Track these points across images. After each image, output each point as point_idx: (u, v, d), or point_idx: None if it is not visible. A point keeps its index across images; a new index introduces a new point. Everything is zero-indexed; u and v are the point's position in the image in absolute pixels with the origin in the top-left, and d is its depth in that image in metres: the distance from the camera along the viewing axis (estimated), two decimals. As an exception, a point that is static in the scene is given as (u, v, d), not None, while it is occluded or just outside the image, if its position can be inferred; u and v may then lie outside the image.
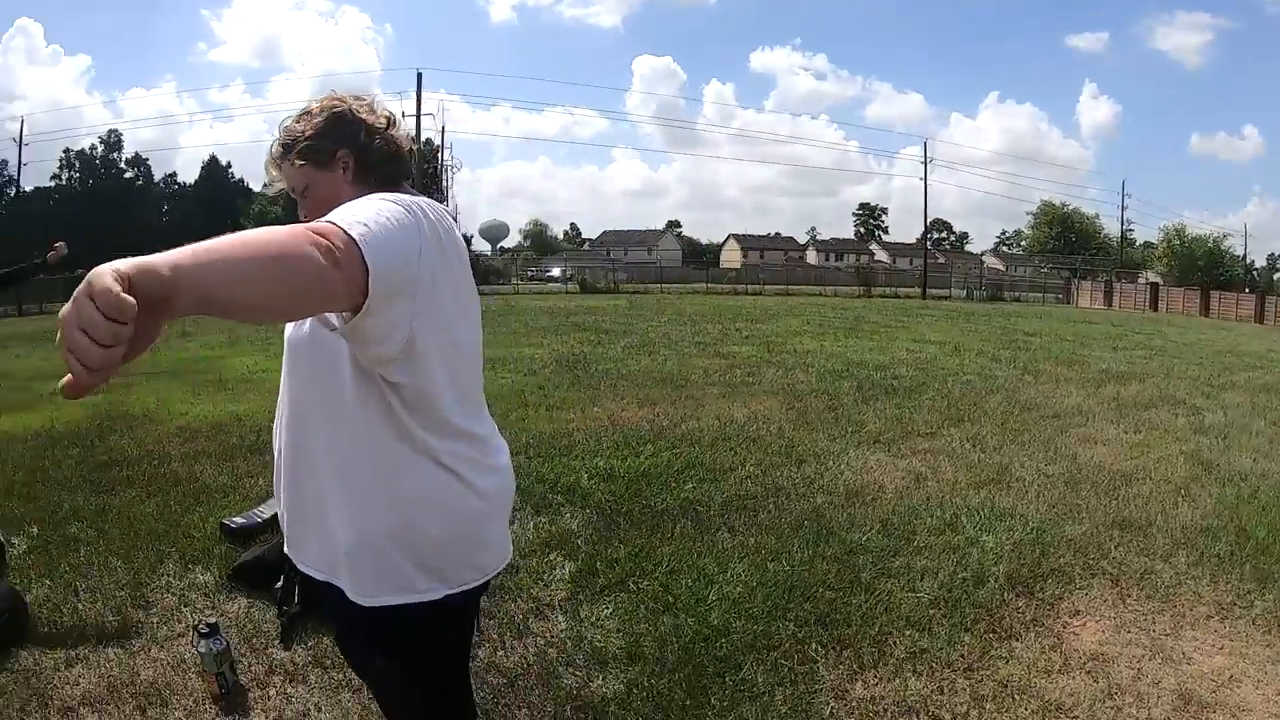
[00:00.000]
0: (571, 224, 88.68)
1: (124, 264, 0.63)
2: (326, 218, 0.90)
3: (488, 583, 1.33)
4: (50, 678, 2.33)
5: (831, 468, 4.57)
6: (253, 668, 2.42)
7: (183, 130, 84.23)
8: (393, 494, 1.17)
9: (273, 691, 2.30)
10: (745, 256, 65.63)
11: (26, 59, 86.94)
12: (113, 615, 2.73)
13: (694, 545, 3.30)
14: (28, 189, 48.12)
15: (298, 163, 1.26)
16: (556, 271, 45.49)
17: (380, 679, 1.39)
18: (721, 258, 68.99)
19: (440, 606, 1.21)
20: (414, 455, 1.16)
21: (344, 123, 1.26)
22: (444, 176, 34.18)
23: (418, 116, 32.04)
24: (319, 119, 1.26)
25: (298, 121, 1.27)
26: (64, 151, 49.20)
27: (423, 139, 32.17)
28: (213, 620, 2.37)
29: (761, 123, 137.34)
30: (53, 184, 49.46)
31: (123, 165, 51.89)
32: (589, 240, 79.15)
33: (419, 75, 33.75)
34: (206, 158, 56.16)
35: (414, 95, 32.30)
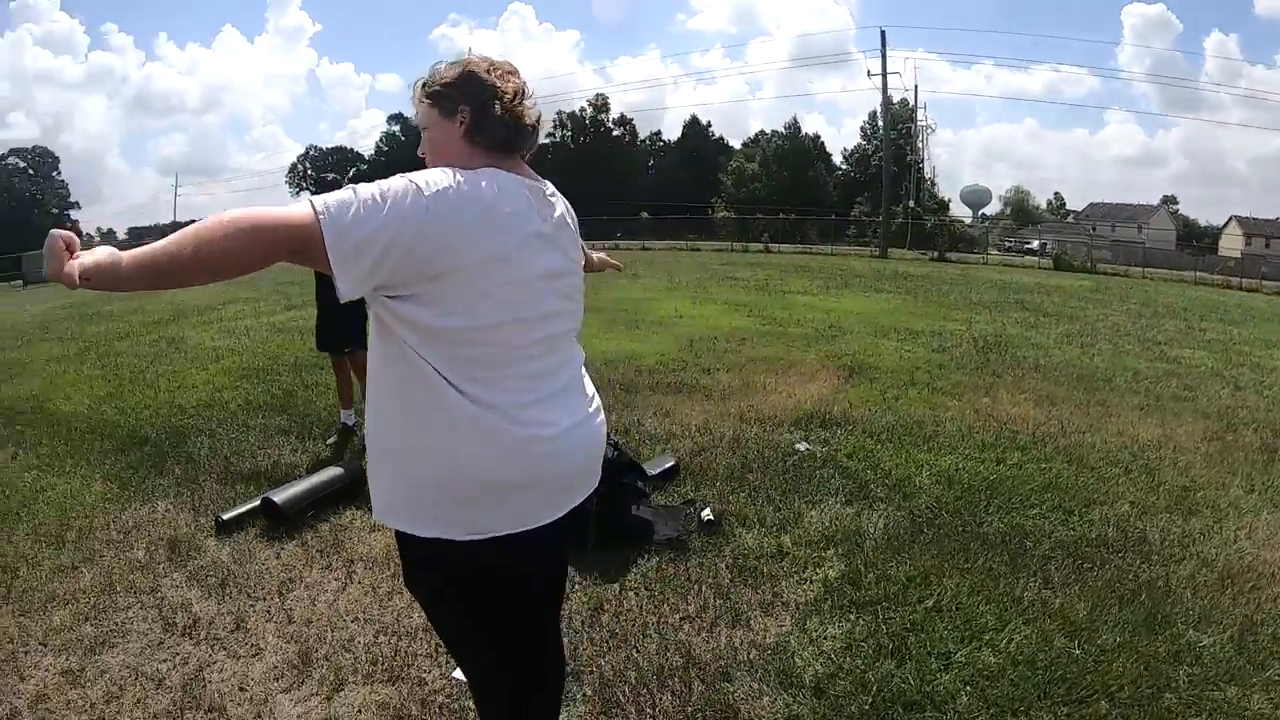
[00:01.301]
0: (1055, 193, 76.25)
1: (86, 263, 1.08)
2: (311, 198, 1.15)
3: (525, 553, 1.38)
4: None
5: (1225, 530, 3.34)
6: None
7: (668, 92, 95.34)
8: (394, 434, 1.33)
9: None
10: (1248, 243, 49.44)
11: (522, 37, 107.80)
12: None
13: (986, 586, 2.79)
14: None
15: (426, 103, 1.39)
16: (1035, 244, 40.36)
17: (418, 599, 1.58)
18: (1220, 243, 53.10)
19: (442, 547, 1.32)
20: (425, 405, 1.28)
21: (474, 81, 1.36)
22: (917, 137, 32.72)
23: (883, 75, 31.09)
24: (457, 72, 1.38)
25: (446, 70, 1.40)
26: (557, 113, 59.17)
27: (896, 100, 31.08)
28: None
29: (1274, 81, 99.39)
30: (547, 140, 60.60)
31: (610, 125, 60.66)
32: (1073, 212, 68.04)
33: (882, 33, 32.60)
34: (688, 117, 62.80)
35: (884, 54, 31.25)
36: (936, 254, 27.41)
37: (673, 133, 64.00)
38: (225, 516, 3.44)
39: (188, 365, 7.18)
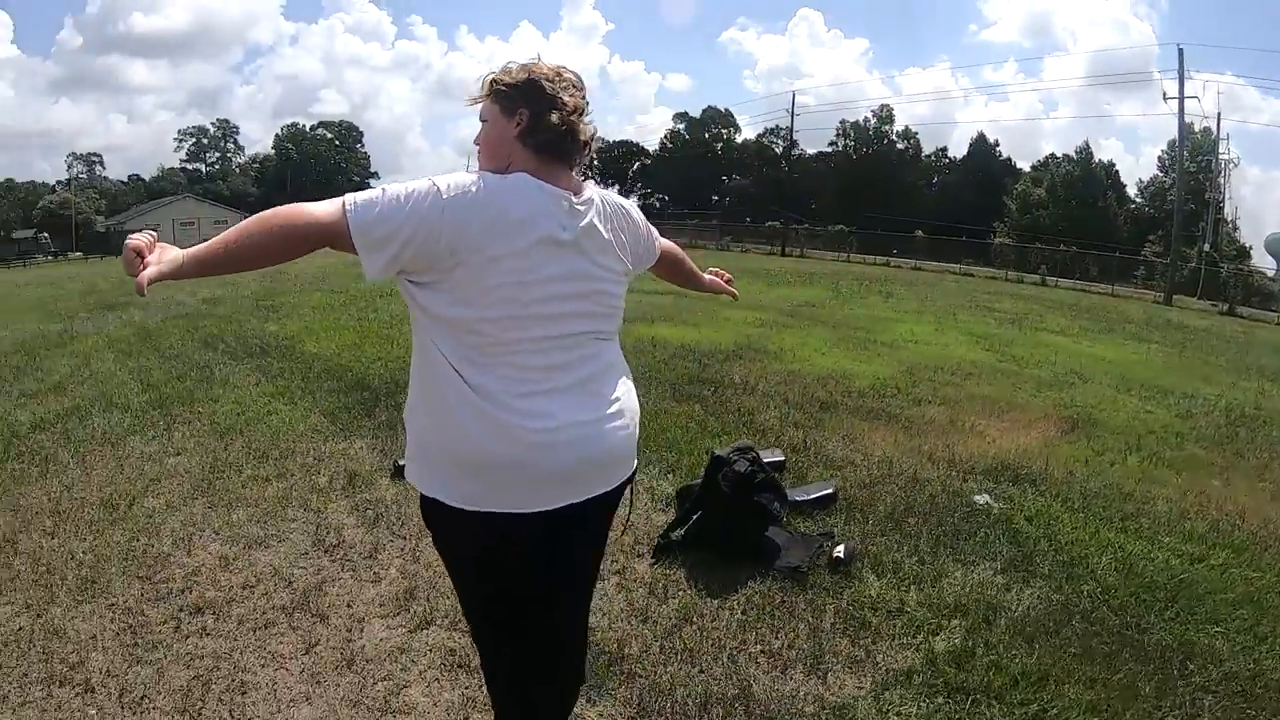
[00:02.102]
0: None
1: (151, 274, 1.23)
2: (346, 196, 1.32)
3: (516, 536, 1.43)
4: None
5: None
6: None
7: (957, 107, 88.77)
8: (417, 400, 1.48)
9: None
10: None
11: (809, 43, 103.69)
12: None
13: (1111, 707, 2.18)
14: (809, 152, 58.29)
15: (490, 98, 1.48)
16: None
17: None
18: None
19: (441, 509, 1.43)
20: (433, 379, 1.41)
21: (536, 88, 1.43)
22: (1218, 172, 27.38)
23: (1179, 99, 26.09)
24: (522, 76, 1.46)
25: (515, 71, 1.47)
26: (840, 122, 57.56)
27: (1197, 128, 26.22)
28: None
29: None
30: (830, 149, 58.58)
31: (893, 137, 57.58)
32: None
33: (1180, 52, 27.01)
34: (975, 135, 58.23)
35: (1181, 75, 26.34)
36: (1226, 307, 22.74)
37: (959, 150, 59.95)
38: (402, 462, 3.82)
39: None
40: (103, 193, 58.72)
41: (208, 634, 2.48)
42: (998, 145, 56.64)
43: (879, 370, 6.84)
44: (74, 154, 68.70)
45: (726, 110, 63.93)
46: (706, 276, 2.11)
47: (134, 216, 47.67)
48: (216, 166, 71.91)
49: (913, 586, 2.81)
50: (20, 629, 2.47)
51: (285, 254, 1.31)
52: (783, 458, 4.12)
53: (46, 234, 43.87)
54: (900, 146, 57.48)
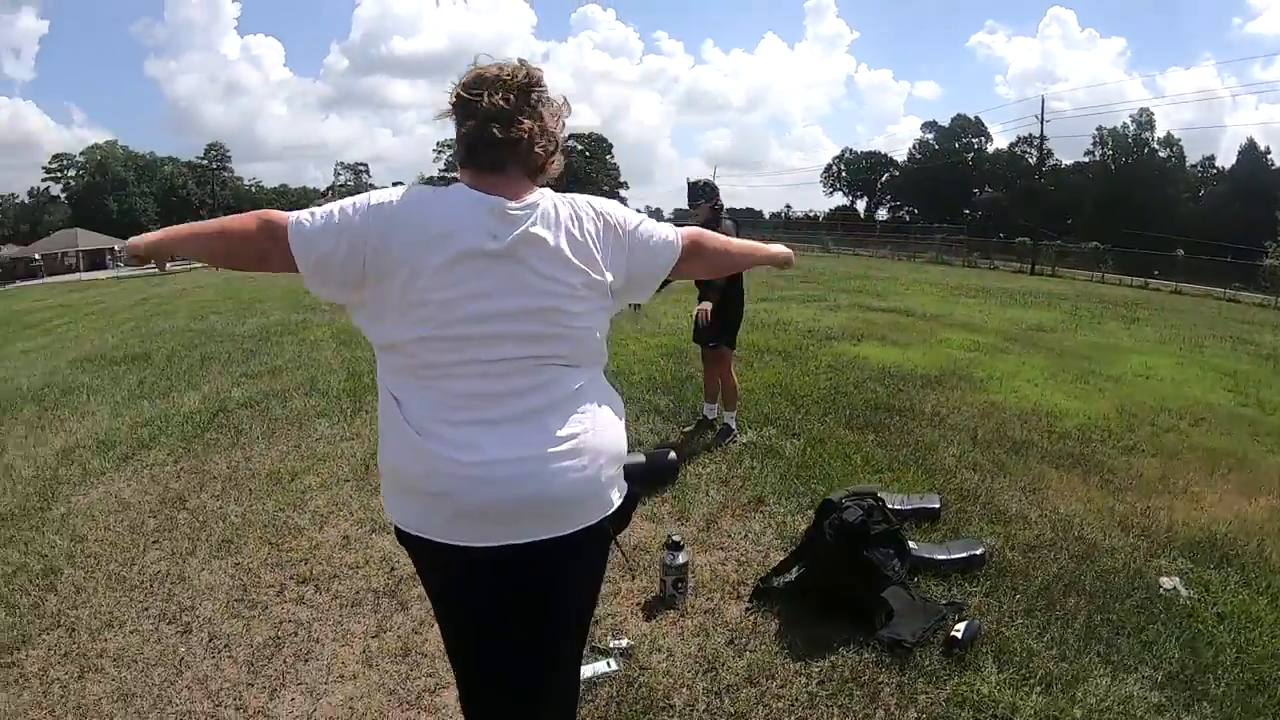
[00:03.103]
0: None
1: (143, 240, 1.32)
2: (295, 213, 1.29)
3: (462, 570, 1.32)
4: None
5: None
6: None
7: (1225, 110, 74.47)
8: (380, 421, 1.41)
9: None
10: None
11: (1063, 44, 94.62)
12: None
13: None
14: (1066, 162, 52.90)
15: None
16: None
17: None
18: None
19: (402, 534, 1.36)
20: (380, 402, 1.36)
21: (459, 98, 1.33)
22: None
23: None
24: (455, 88, 1.35)
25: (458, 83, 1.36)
26: (1096, 129, 51.32)
27: None
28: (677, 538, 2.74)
29: None
30: (1087, 159, 52.26)
31: (1154, 145, 50.35)
32: None
33: None
34: (1243, 141, 49.40)
35: None
36: None
37: (1227, 158, 51.44)
38: None
39: (634, 336, 8.00)
40: (370, 199, 68.74)
41: (303, 602, 2.68)
42: (1269, 153, 47.67)
43: (1093, 408, 5.78)
44: (341, 163, 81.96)
45: (976, 118, 60.81)
46: (773, 248, 1.74)
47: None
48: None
49: (1037, 689, 2.24)
50: (157, 572, 2.87)
51: (248, 261, 1.36)
52: (937, 505, 3.53)
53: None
54: (1162, 155, 50.60)
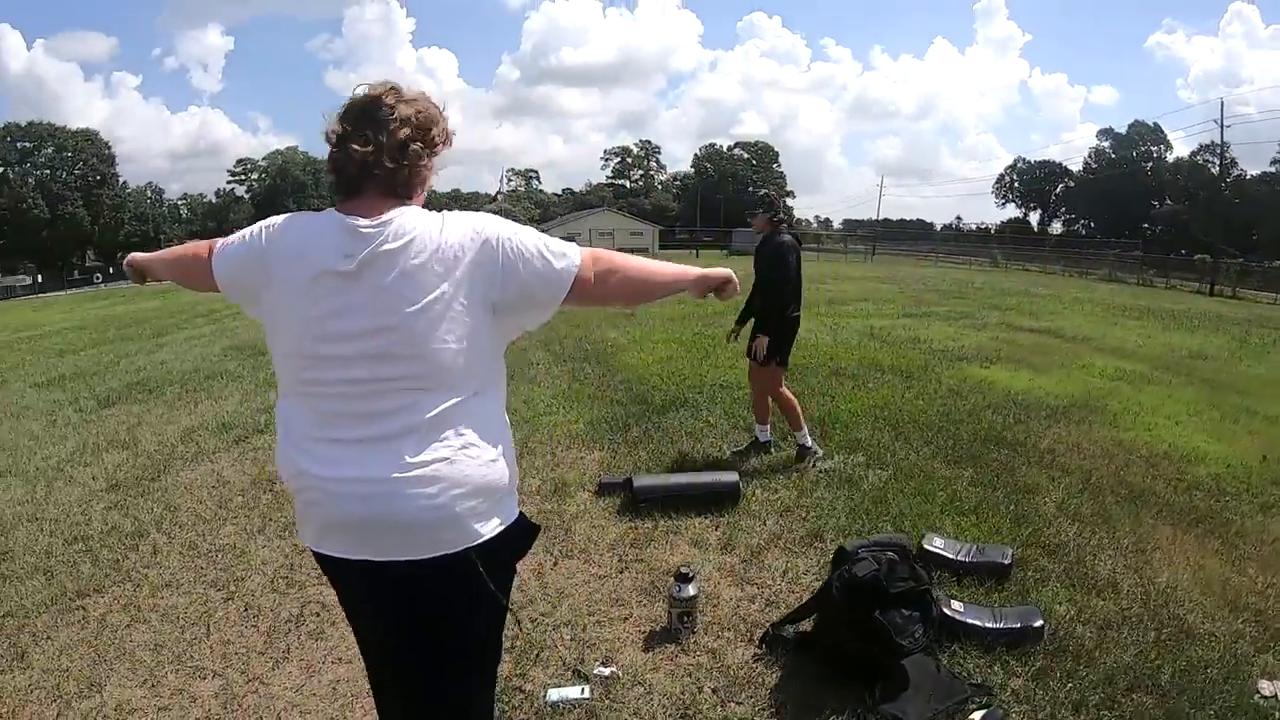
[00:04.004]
0: None
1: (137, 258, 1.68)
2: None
3: (337, 577, 1.45)
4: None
5: None
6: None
7: None
8: None
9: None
10: None
11: (1246, 42, 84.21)
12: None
13: None
14: (1252, 172, 46.32)
15: None
16: None
17: None
18: None
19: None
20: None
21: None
22: None
23: None
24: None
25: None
26: None
27: None
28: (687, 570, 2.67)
29: None
30: (1274, 169, 45.16)
31: None
32: None
33: None
34: None
35: None
36: None
37: None
38: (604, 480, 3.97)
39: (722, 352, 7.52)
40: (537, 203, 72.86)
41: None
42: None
43: (1237, 454, 4.83)
44: (512, 169, 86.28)
45: (1155, 125, 54.71)
46: (686, 272, 1.51)
47: (558, 225, 56.84)
48: (640, 183, 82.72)
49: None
50: (225, 545, 3.29)
51: (194, 284, 1.56)
52: (1008, 561, 3.07)
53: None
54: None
